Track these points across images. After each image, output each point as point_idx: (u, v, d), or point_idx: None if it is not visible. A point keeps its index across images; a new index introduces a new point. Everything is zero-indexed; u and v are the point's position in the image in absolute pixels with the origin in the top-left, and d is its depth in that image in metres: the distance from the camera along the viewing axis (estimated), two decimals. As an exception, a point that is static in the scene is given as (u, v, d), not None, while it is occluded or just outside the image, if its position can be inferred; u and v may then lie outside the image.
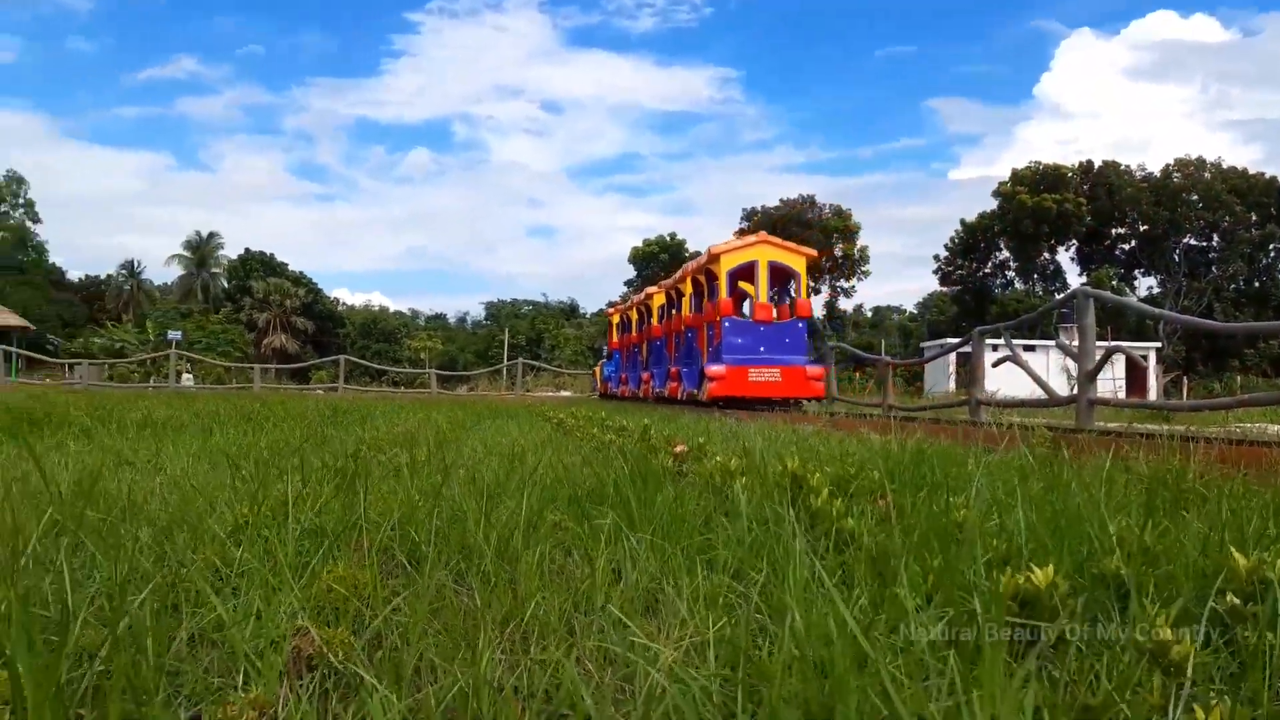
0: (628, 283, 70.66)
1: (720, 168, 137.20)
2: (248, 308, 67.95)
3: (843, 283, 65.40)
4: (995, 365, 10.95)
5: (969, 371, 12.66)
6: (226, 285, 73.13)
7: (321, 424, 7.13)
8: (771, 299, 13.84)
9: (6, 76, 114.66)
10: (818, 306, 66.16)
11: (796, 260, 14.14)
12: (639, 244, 71.50)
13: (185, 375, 34.82)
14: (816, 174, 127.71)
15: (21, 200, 71.42)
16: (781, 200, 64.73)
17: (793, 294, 14.16)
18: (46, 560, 2.08)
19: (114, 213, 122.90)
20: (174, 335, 38.21)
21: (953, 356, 29.42)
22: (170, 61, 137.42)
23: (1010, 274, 67.05)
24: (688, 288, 14.99)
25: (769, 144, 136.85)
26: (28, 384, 26.63)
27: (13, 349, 34.09)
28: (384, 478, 3.19)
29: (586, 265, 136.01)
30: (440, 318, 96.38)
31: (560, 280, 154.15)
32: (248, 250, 73.92)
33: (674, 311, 16.15)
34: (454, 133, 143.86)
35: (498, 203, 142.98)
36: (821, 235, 62.16)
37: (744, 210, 66.71)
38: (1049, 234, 62.20)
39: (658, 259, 67.84)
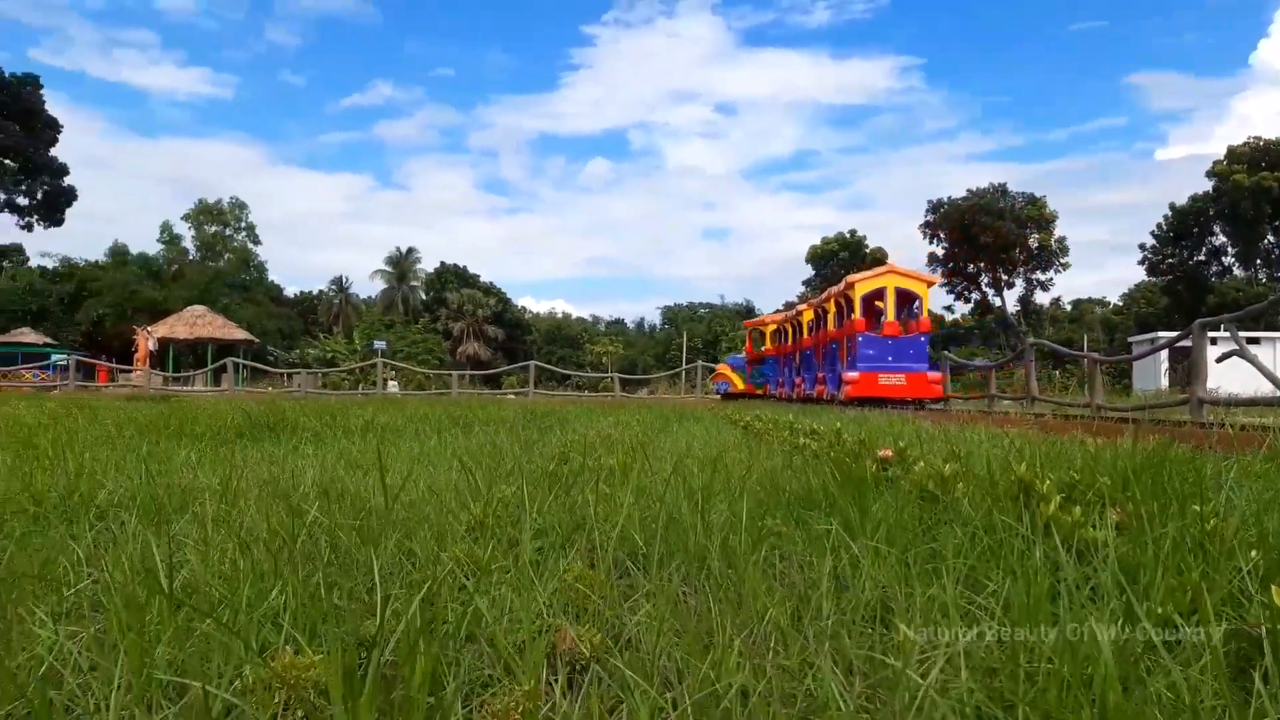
0: (805, 282, 69.72)
1: (900, 160, 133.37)
2: (443, 318, 72.01)
3: (1039, 275, 61.85)
4: (1220, 360, 10.06)
5: (1187, 368, 11.72)
6: (424, 297, 77.76)
7: (523, 427, 7.45)
8: (899, 318, 16.70)
9: (228, 111, 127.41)
10: (1011, 301, 63.04)
11: (919, 286, 17.08)
12: (817, 242, 70.44)
13: (390, 382, 37.25)
14: (1005, 161, 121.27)
15: (244, 224, 78.76)
16: (969, 190, 61.98)
17: (916, 313, 16.97)
18: (312, 555, 2.28)
19: (322, 232, 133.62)
20: (379, 345, 40.97)
21: (1164, 352, 27.23)
22: (369, 88, 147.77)
23: (1228, 260, 61.42)
24: (831, 308, 18.01)
25: (952, 132, 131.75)
26: (254, 392, 29.22)
27: (240, 360, 37.51)
28: (595, 480, 3.30)
29: (762, 265, 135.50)
30: (619, 323, 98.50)
31: (736, 281, 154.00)
32: (442, 263, 78.54)
33: (821, 327, 19.01)
34: (630, 141, 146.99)
35: (673, 207, 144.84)
36: (1014, 226, 59.11)
37: (929, 203, 64.36)
38: (1272, 215, 56.49)
39: (837, 256, 66.54)
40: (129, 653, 1.41)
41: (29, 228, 53.12)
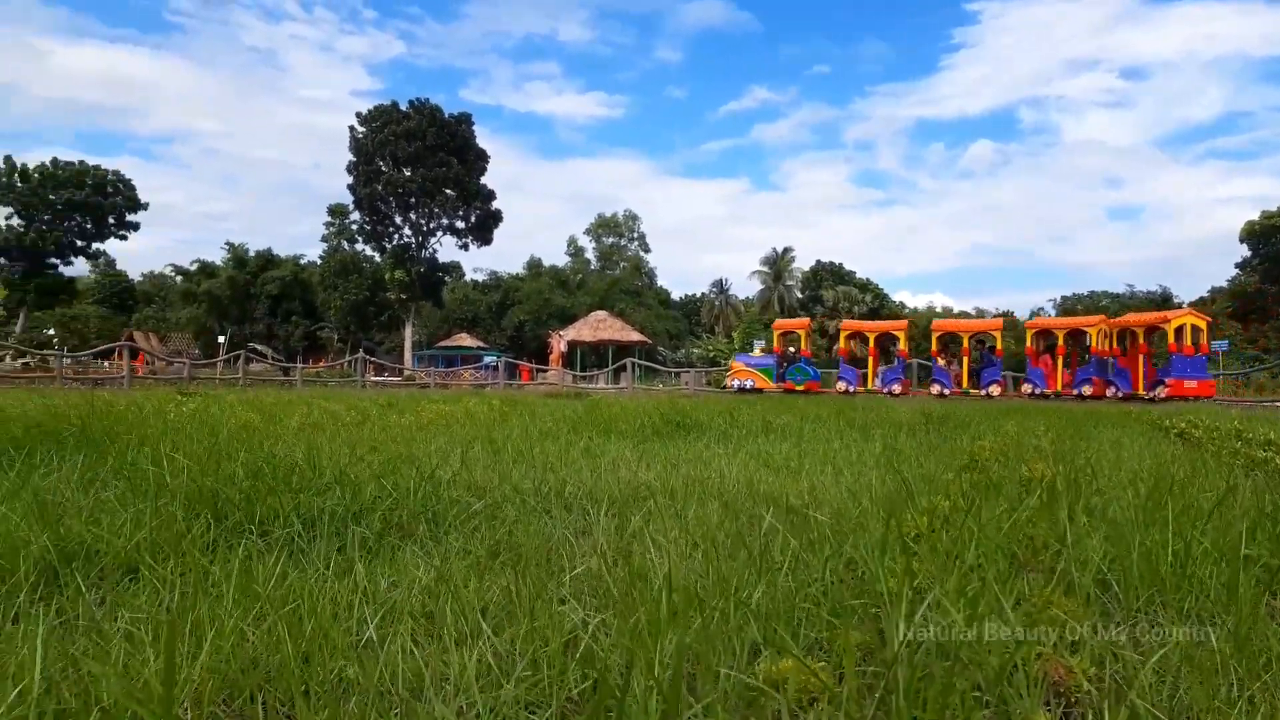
0: (1239, 264, 60.33)
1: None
2: (819, 316, 72.29)
3: None
4: None
5: None
6: (800, 295, 78.70)
7: (924, 432, 7.27)
8: (1192, 344, 23.58)
9: (620, 130, 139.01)
10: None
11: (1201, 322, 23.83)
12: (1254, 216, 60.57)
13: (771, 381, 38.08)
14: None
15: (636, 234, 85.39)
16: None
17: (1198, 340, 23.60)
18: (765, 556, 2.42)
19: (704, 236, 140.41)
20: (759, 345, 42.05)
21: None
22: (745, 94, 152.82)
23: None
24: (1141, 333, 24.58)
25: None
26: (649, 390, 31.47)
27: (636, 360, 40.58)
28: (1030, 494, 3.14)
29: (1181, 247, 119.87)
30: (1008, 315, 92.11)
31: (1149, 265, 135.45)
32: (818, 261, 78.95)
33: (1127, 343, 25.26)
34: (1019, 119, 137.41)
35: (1071, 187, 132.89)
36: None
37: None
38: None
39: (1281, 234, 56.76)
40: (649, 637, 1.60)
41: (465, 247, 61.72)
